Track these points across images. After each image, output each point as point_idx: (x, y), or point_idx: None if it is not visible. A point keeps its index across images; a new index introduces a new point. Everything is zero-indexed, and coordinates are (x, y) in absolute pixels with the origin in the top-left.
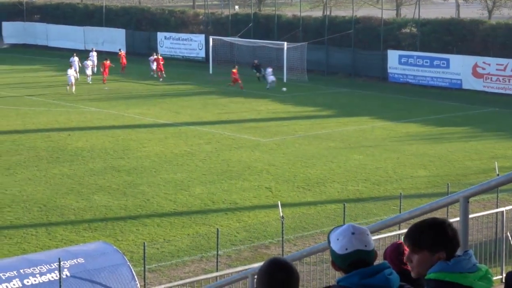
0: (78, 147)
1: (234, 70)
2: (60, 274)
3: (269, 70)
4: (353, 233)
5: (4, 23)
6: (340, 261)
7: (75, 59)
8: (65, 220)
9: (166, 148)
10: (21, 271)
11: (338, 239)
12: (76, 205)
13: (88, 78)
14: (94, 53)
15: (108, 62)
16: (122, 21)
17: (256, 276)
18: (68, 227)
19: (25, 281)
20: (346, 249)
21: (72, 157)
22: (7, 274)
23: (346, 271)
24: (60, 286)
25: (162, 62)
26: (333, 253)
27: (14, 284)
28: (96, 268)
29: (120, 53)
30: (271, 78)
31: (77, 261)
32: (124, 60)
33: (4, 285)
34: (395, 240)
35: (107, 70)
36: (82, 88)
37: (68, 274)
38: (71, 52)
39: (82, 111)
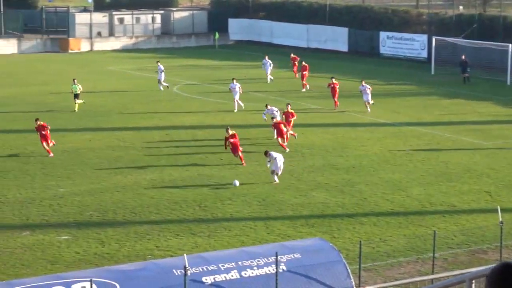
0: (298, 143)
1: None
2: (276, 268)
3: None
4: None
5: (230, 20)
6: None
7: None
8: (283, 215)
9: (384, 147)
10: (240, 263)
11: None
12: (294, 201)
13: (235, 103)
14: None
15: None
16: (345, 19)
17: (486, 278)
18: (286, 222)
19: (242, 273)
20: None
21: (292, 153)
22: (226, 265)
23: None
24: (276, 280)
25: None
26: None
27: (232, 276)
28: (312, 264)
29: (293, 56)
30: None
31: (294, 256)
32: (296, 63)
33: (222, 275)
34: None
35: (306, 73)
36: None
37: (285, 269)
38: (294, 49)
39: (303, 108)
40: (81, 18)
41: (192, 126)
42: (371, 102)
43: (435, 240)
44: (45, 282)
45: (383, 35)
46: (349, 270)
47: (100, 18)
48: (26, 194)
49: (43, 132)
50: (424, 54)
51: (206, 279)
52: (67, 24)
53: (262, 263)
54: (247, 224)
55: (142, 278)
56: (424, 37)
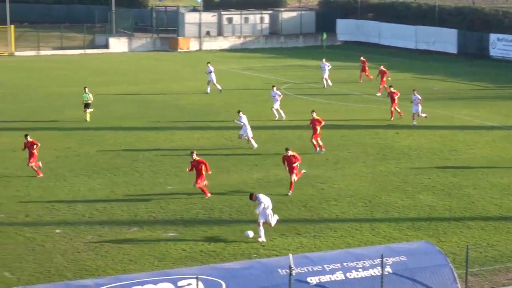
0: (405, 145)
1: None
2: (382, 270)
3: None
4: None
5: (338, 21)
6: None
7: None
8: (389, 217)
9: (493, 151)
10: (345, 264)
11: None
12: (400, 203)
13: (274, 110)
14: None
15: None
16: (454, 21)
17: None
18: (392, 224)
19: (347, 274)
20: None
21: (399, 155)
22: (331, 266)
23: None
24: (381, 282)
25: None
26: None
27: (337, 277)
28: (418, 267)
29: (362, 59)
30: None
31: (399, 259)
32: (366, 66)
33: (327, 276)
34: None
35: (384, 78)
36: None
37: (390, 271)
38: (401, 51)
39: (409, 110)
40: (190, 18)
41: (297, 126)
42: (422, 115)
43: None
44: (152, 278)
45: (493, 37)
46: (455, 275)
47: (209, 17)
48: (135, 191)
49: (32, 151)
50: None
51: (311, 280)
52: (177, 23)
53: (368, 265)
54: (352, 226)
55: (247, 277)
56: None
